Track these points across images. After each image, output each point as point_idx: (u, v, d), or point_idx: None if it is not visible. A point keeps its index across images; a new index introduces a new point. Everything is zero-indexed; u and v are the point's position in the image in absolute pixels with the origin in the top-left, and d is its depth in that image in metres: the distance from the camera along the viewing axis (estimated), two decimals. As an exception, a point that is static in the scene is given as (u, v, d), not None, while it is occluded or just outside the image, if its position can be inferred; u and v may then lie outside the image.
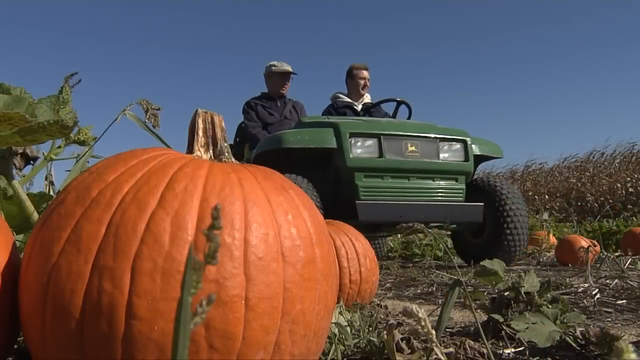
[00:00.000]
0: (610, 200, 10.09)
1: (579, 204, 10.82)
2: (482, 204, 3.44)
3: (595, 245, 3.36)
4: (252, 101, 4.39)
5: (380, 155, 3.22)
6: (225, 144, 0.79)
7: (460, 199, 3.45)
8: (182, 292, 0.30)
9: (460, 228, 3.77)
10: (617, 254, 4.00)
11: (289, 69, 4.37)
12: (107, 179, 0.63)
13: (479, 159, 3.73)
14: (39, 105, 1.04)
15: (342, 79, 4.53)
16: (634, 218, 7.28)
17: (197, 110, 0.79)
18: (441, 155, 3.39)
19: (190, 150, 0.77)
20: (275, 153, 3.29)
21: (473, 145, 3.55)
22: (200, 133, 0.78)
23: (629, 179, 10.51)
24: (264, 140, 3.51)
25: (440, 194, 3.38)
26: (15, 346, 0.87)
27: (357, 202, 3.09)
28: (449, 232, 4.09)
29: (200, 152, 0.77)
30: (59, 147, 1.46)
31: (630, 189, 10.28)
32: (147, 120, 1.30)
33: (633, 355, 0.28)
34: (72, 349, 0.57)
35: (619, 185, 10.48)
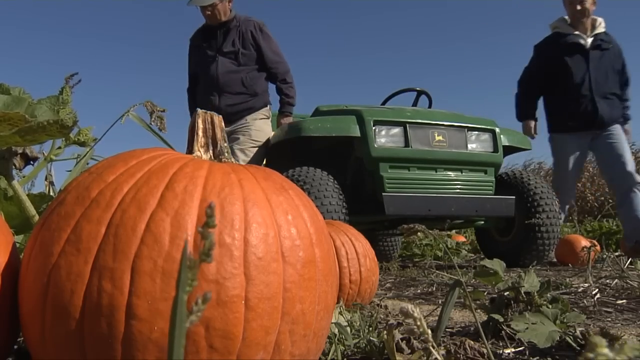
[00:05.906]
0: (610, 200, 10.09)
1: (579, 203, 10.80)
2: (514, 197, 3.27)
3: (595, 245, 3.36)
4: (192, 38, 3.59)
5: (406, 144, 3.03)
6: (225, 144, 0.79)
7: (490, 192, 3.27)
8: (177, 290, 0.29)
9: (487, 224, 3.64)
10: (617, 254, 4.00)
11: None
12: (107, 179, 0.63)
13: (507, 151, 3.55)
14: (38, 106, 1.04)
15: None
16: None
17: (197, 111, 0.80)
18: (469, 146, 3.22)
19: (190, 150, 0.77)
20: (292, 143, 3.10)
21: (502, 136, 3.38)
22: (200, 133, 0.78)
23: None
24: (280, 128, 3.26)
25: (469, 187, 3.20)
26: (15, 346, 0.87)
27: (383, 194, 2.90)
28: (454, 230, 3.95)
29: (200, 152, 0.77)
30: (59, 147, 1.46)
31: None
32: (152, 123, 1.30)
33: (606, 350, 0.29)
34: (72, 349, 0.57)
35: (618, 185, 10.46)
